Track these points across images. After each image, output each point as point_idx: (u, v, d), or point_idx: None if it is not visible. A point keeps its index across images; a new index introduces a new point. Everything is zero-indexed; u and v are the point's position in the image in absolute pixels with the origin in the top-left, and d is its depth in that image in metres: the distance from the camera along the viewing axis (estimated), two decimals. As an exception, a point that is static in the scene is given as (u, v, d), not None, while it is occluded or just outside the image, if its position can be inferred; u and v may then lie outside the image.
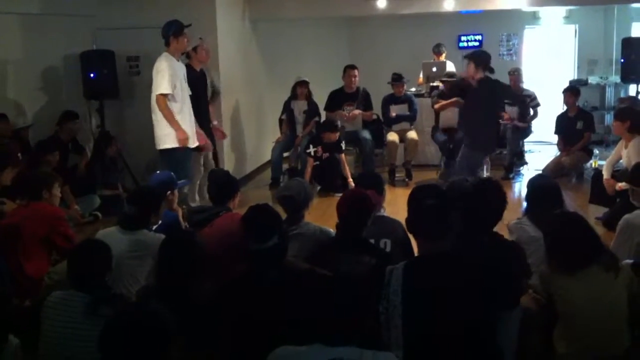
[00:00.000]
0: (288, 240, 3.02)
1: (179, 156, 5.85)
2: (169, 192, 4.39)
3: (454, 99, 8.24)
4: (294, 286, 2.70)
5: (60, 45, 7.62)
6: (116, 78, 7.81)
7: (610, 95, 10.81)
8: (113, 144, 7.43)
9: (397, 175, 8.40)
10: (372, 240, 3.60)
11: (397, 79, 8.49)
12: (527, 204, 3.91)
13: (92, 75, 7.57)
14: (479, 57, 6.51)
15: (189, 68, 6.47)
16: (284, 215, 3.89)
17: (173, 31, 5.79)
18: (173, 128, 5.75)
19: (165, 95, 5.71)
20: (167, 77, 5.68)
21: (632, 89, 9.09)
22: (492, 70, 6.47)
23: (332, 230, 3.65)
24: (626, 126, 6.05)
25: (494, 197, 3.32)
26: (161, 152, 5.94)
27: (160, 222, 4.03)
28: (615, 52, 10.23)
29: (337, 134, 7.74)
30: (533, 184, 3.99)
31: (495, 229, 3.31)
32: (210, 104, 7.16)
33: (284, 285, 2.73)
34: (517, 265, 3.14)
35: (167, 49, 5.84)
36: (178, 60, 5.92)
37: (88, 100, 7.81)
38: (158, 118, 5.82)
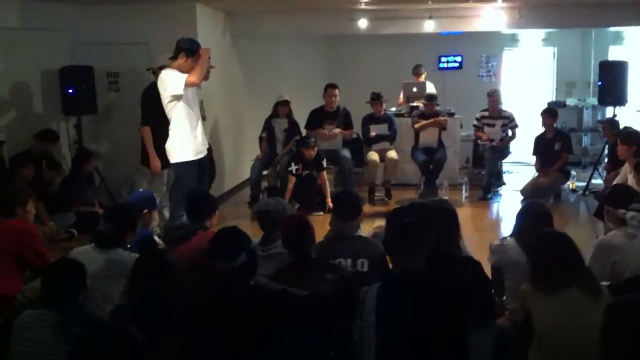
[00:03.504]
0: (256, 261, 3.00)
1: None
2: (145, 210, 4.35)
3: (433, 119, 8.33)
4: (265, 306, 2.68)
5: (39, 60, 7.55)
6: (95, 94, 7.76)
7: (587, 117, 10.94)
8: (91, 160, 7.35)
9: (376, 194, 8.41)
10: (349, 260, 3.61)
11: (375, 98, 8.53)
12: (517, 226, 3.90)
13: (70, 90, 7.51)
14: None
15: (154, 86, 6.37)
16: (261, 234, 3.90)
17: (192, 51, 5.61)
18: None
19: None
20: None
21: (609, 112, 9.21)
22: None
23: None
24: (632, 150, 6.19)
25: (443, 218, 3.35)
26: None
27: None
28: (593, 74, 10.37)
29: (314, 150, 7.74)
30: (527, 209, 3.99)
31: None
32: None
33: (253, 306, 2.70)
34: (480, 282, 3.16)
35: (171, 64, 5.66)
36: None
37: (66, 116, 7.75)
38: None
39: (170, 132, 5.74)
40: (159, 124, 5.98)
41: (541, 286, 3.02)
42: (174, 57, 5.63)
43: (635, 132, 6.72)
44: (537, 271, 3.08)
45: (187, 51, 5.59)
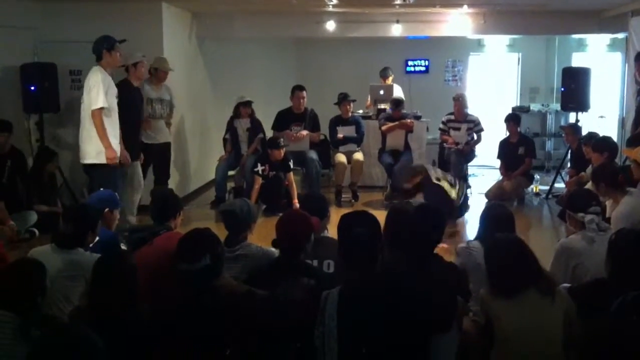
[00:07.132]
0: (222, 263, 2.97)
1: (108, 172, 5.79)
2: (106, 209, 4.28)
3: (399, 122, 8.38)
4: (231, 308, 2.66)
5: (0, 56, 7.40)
6: (57, 92, 7.63)
7: (551, 122, 11.13)
8: (54, 160, 7.22)
9: (343, 196, 8.43)
10: (315, 262, 3.59)
11: (343, 98, 8.55)
12: (480, 229, 3.92)
13: (32, 88, 7.37)
14: None
15: (126, 83, 6.58)
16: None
17: (106, 46, 5.79)
18: (103, 145, 5.70)
19: (101, 110, 5.66)
20: (102, 90, 5.66)
21: (572, 117, 9.37)
22: None
23: (276, 251, 3.61)
24: (604, 157, 5.75)
25: (433, 221, 3.36)
26: (90, 167, 5.88)
27: (97, 239, 3.91)
28: (556, 80, 10.55)
29: (282, 151, 7.73)
30: (489, 211, 4.01)
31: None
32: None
33: (219, 308, 2.68)
34: (454, 287, 3.16)
35: (100, 63, 5.81)
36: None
37: (28, 114, 7.60)
38: (92, 134, 5.77)
39: (88, 134, 5.80)
40: (130, 118, 6.24)
41: (498, 292, 3.04)
42: (100, 59, 5.83)
43: (606, 138, 6.49)
44: (492, 277, 3.10)
45: (108, 48, 5.83)
